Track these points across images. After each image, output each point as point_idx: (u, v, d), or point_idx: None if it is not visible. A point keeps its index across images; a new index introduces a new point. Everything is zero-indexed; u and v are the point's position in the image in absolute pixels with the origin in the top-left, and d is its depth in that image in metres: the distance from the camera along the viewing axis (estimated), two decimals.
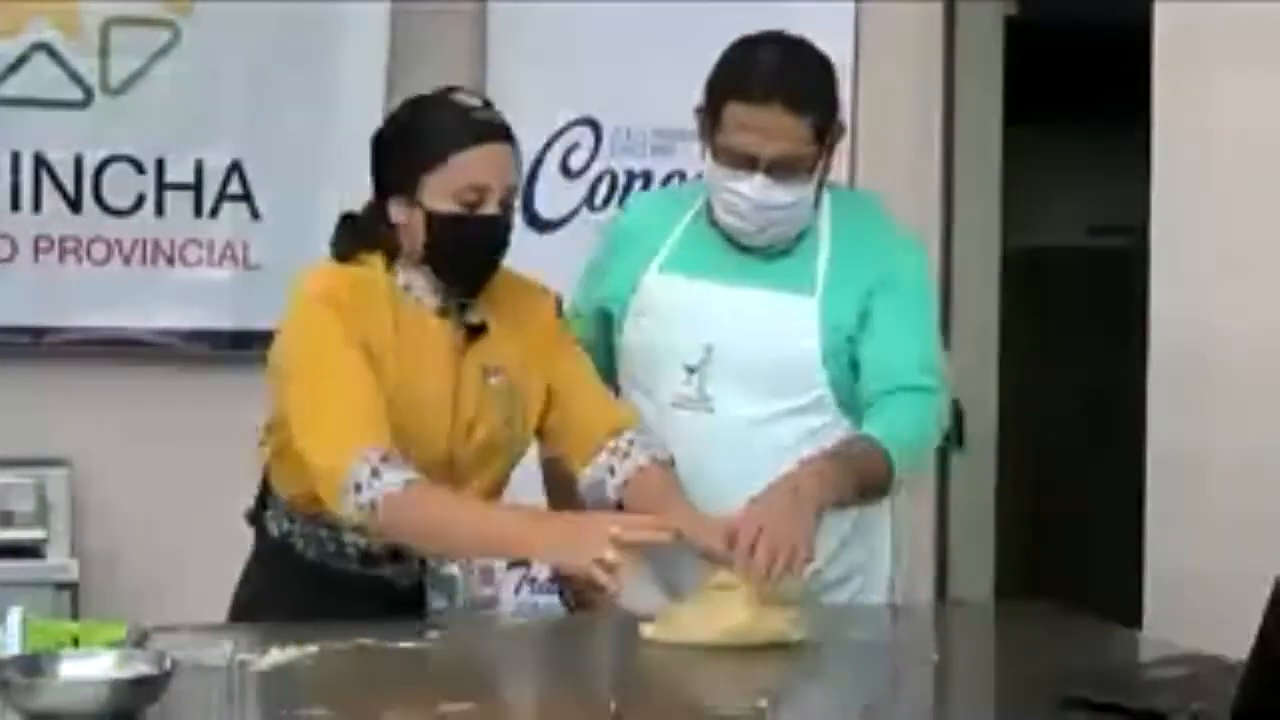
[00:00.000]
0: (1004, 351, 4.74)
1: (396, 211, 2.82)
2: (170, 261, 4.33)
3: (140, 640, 2.49)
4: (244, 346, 4.40)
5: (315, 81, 4.38)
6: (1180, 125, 3.65)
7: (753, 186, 2.89)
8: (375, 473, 2.64)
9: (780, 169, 2.88)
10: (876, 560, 3.06)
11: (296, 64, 4.37)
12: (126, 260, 4.30)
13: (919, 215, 4.57)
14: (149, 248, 4.32)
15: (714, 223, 3.00)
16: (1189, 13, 3.64)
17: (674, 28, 4.45)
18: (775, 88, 2.87)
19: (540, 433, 2.93)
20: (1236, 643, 2.16)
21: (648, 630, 2.63)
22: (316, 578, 2.85)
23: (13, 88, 4.20)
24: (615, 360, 3.07)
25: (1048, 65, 4.94)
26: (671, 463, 2.87)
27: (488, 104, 2.87)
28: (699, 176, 3.19)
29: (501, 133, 2.81)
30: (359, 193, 4.39)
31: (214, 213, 4.35)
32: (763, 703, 2.37)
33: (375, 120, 4.37)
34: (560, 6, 4.49)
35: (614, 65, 4.47)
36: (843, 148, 4.45)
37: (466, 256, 2.82)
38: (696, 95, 4.37)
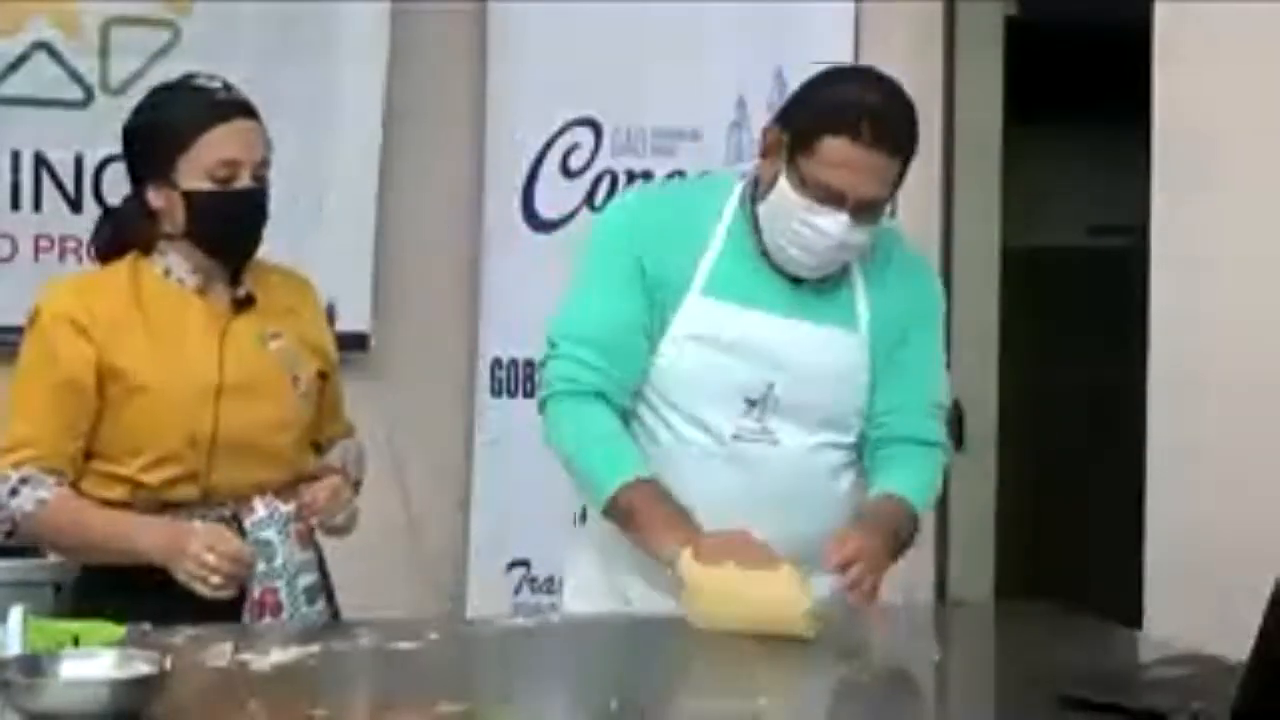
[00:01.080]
0: (1004, 351, 4.73)
1: (155, 197, 2.95)
2: None
3: (140, 640, 2.49)
4: None
5: (315, 82, 4.39)
6: (1180, 125, 3.65)
7: (836, 224, 2.83)
8: (14, 492, 2.87)
9: (864, 210, 2.85)
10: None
11: (296, 64, 4.37)
12: None
13: (919, 215, 4.57)
14: None
15: (758, 245, 2.93)
16: (1188, 12, 3.64)
17: (673, 28, 4.46)
18: (885, 131, 2.82)
19: None
20: (1236, 643, 2.16)
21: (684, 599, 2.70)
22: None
23: (13, 87, 4.21)
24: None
25: (1048, 65, 4.94)
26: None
27: (228, 86, 3.00)
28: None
29: (245, 110, 2.96)
30: (359, 191, 4.45)
31: None
32: (762, 701, 2.37)
33: (375, 121, 4.44)
34: (560, 7, 4.49)
35: (614, 66, 4.47)
36: None
37: (227, 230, 2.96)
38: (696, 95, 4.42)
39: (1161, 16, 3.69)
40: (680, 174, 4.44)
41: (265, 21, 4.34)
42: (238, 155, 2.92)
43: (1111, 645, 2.80)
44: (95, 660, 2.25)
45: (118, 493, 2.91)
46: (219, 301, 2.99)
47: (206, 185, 2.90)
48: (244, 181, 2.93)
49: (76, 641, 2.43)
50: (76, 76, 4.24)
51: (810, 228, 2.85)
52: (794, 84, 4.37)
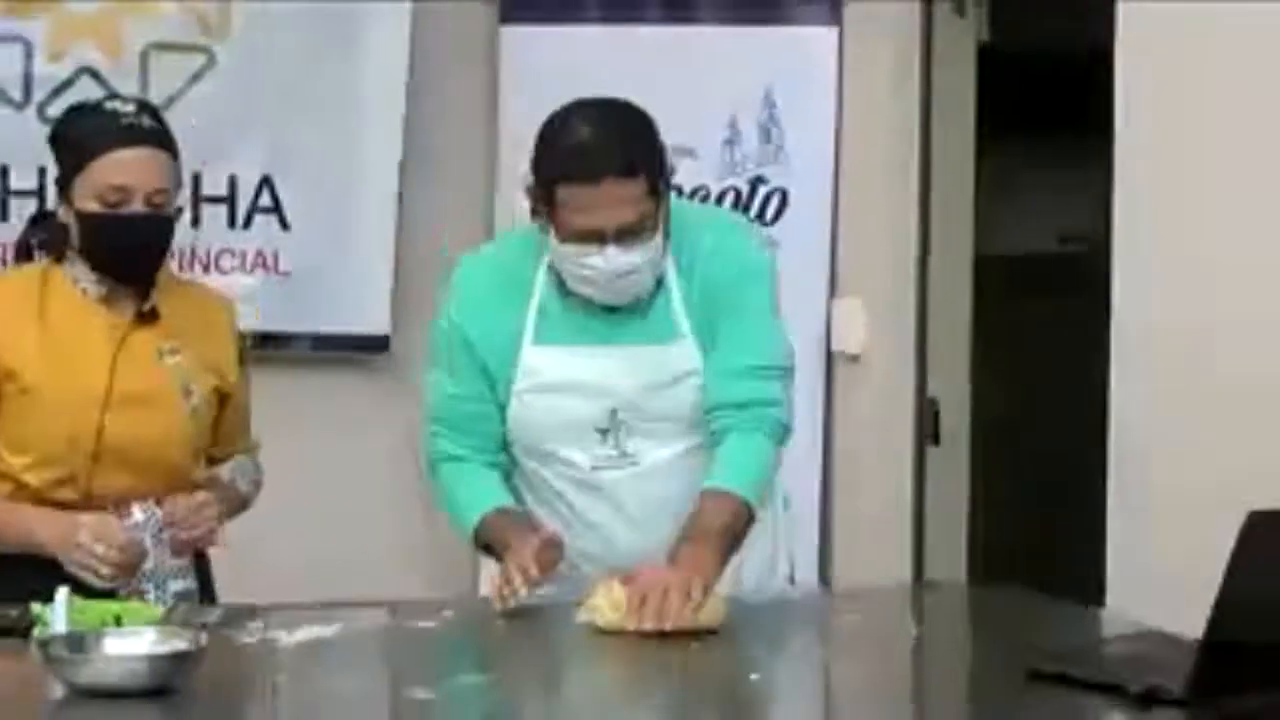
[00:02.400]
0: (977, 352, 4.73)
1: (62, 212, 2.86)
2: (206, 269, 4.33)
3: (178, 619, 2.50)
4: (273, 347, 4.41)
5: (340, 104, 4.39)
6: (1139, 140, 3.65)
7: (605, 259, 2.75)
8: None
9: (627, 235, 2.74)
10: (770, 567, 3.08)
11: (322, 87, 4.37)
12: None
13: (898, 225, 4.58)
14: (186, 256, 4.31)
15: (568, 291, 2.86)
16: (1147, 36, 3.65)
17: (670, 51, 4.46)
18: (602, 163, 2.72)
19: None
20: (1191, 622, 2.16)
21: (582, 617, 2.64)
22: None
23: (60, 108, 4.18)
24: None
25: (1017, 86, 4.94)
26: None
27: (145, 109, 2.89)
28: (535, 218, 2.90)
29: (147, 137, 2.82)
30: (381, 200, 4.44)
31: (246, 224, 4.35)
32: (754, 676, 2.37)
33: (396, 140, 4.44)
34: (566, 30, 4.50)
35: (615, 86, 4.44)
36: (827, 163, 4.52)
37: (113, 253, 2.83)
38: (691, 114, 4.41)
39: (1122, 41, 3.69)
40: (677, 189, 4.43)
41: (293, 47, 4.33)
42: (128, 181, 2.77)
43: (1075, 624, 2.80)
44: (135, 637, 2.25)
45: (4, 489, 2.81)
46: (122, 313, 2.87)
47: (96, 207, 2.78)
48: (134, 207, 2.78)
49: (118, 620, 2.44)
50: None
51: (587, 268, 2.78)
52: (783, 104, 4.48)
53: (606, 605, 2.61)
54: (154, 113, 2.91)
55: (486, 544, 2.91)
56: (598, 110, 2.84)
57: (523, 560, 2.73)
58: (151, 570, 2.82)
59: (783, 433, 2.91)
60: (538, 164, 2.81)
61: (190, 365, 2.92)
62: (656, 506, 2.85)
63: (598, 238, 2.74)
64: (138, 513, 2.84)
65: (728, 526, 2.78)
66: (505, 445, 2.97)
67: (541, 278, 2.88)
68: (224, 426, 3.05)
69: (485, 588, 2.98)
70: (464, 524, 2.93)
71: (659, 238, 2.80)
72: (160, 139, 2.85)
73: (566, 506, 2.93)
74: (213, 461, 3.04)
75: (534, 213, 2.85)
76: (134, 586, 2.77)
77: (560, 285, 2.87)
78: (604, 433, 2.88)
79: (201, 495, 2.88)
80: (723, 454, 2.85)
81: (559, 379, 2.87)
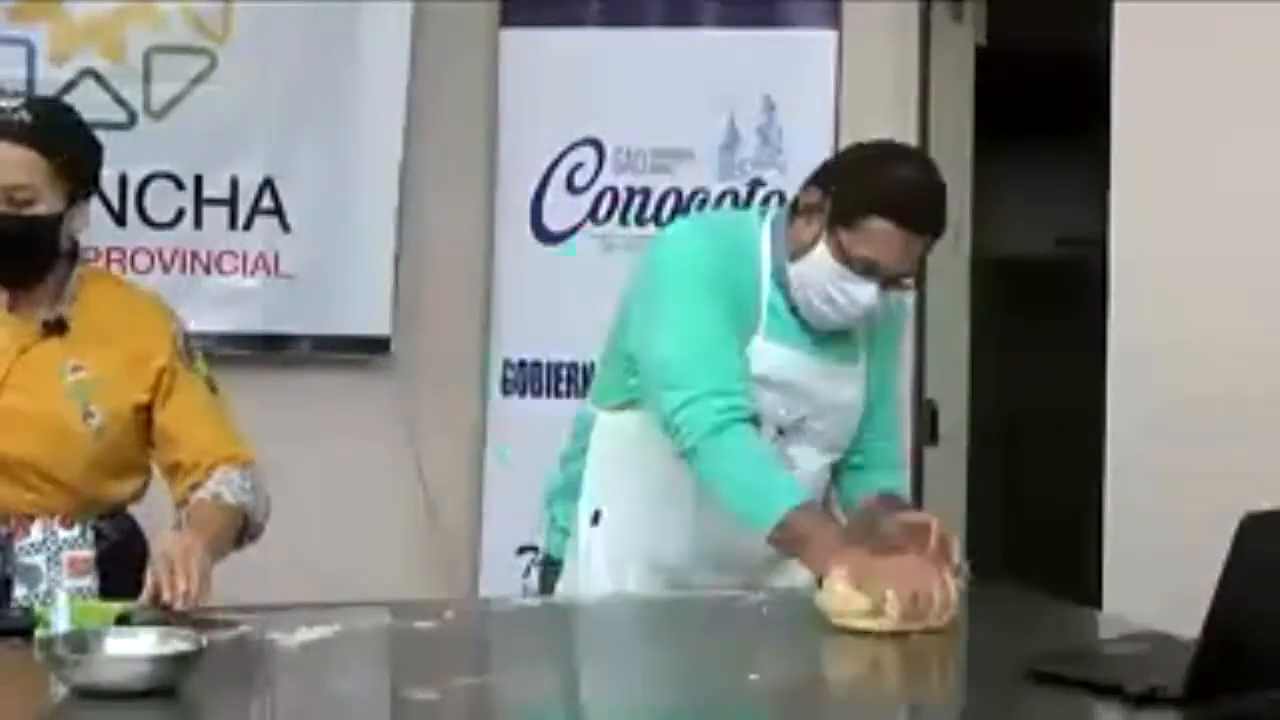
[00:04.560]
0: (975, 353, 4.73)
1: None
2: (207, 271, 4.33)
3: (178, 620, 2.48)
4: (274, 348, 4.42)
5: (340, 105, 4.38)
6: (1137, 144, 3.65)
7: (867, 294, 2.79)
8: None
9: (894, 281, 2.81)
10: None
11: (323, 90, 4.37)
12: (167, 269, 4.30)
13: None
14: (188, 258, 4.32)
15: (788, 296, 2.86)
16: (1145, 41, 3.65)
17: (670, 56, 4.46)
18: (927, 217, 2.80)
19: (152, 444, 2.86)
20: (1188, 622, 2.16)
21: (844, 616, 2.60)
22: None
23: None
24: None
25: (1014, 90, 4.94)
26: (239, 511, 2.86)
27: (29, 106, 2.75)
28: (678, 203, 2.94)
29: (12, 132, 2.67)
30: (381, 205, 4.44)
31: (248, 226, 4.35)
32: (753, 677, 2.37)
33: (396, 142, 4.43)
34: (566, 34, 4.50)
35: (615, 90, 4.47)
36: None
37: None
38: (691, 118, 4.41)
39: (1120, 43, 3.69)
40: (676, 191, 4.45)
41: (294, 50, 4.34)
42: None
43: (1074, 624, 2.80)
44: (137, 638, 2.24)
45: None
46: (29, 322, 2.76)
47: None
48: None
49: (120, 621, 2.43)
50: (121, 101, 4.23)
51: (844, 294, 2.80)
52: (781, 106, 4.48)
53: (866, 606, 2.57)
54: (41, 110, 2.77)
55: (791, 537, 2.72)
56: (928, 165, 2.89)
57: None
58: (45, 591, 2.69)
59: None
60: (859, 183, 2.80)
61: (97, 382, 2.77)
62: None
63: (873, 271, 2.78)
64: (35, 532, 2.74)
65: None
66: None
67: (766, 277, 2.88)
68: (179, 435, 2.86)
69: (485, 588, 2.97)
70: (771, 510, 2.70)
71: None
72: (31, 135, 2.68)
73: (713, 500, 2.85)
74: (189, 473, 2.87)
75: (803, 214, 2.83)
76: (21, 607, 2.65)
77: (778, 287, 2.87)
78: (781, 432, 2.89)
79: (173, 556, 2.54)
80: (885, 474, 3.03)
81: (776, 376, 2.86)
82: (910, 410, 4.58)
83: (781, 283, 2.87)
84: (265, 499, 2.97)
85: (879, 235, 2.76)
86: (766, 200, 4.47)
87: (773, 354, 2.86)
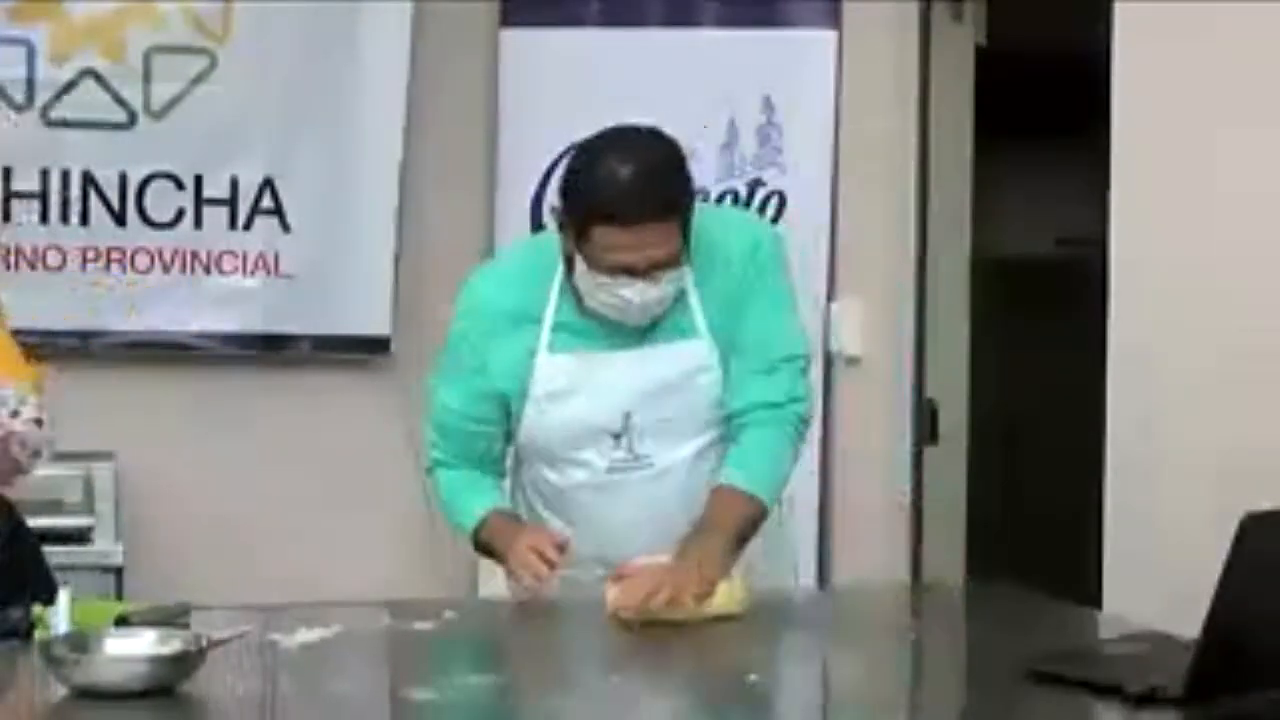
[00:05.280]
0: (974, 353, 4.73)
1: None
2: (207, 270, 4.33)
3: (180, 613, 2.48)
4: (274, 348, 4.41)
5: (340, 105, 4.38)
6: (1136, 144, 3.65)
7: (635, 291, 2.75)
8: None
9: (658, 270, 2.74)
10: (783, 565, 3.10)
11: (323, 90, 4.37)
12: (167, 269, 4.30)
13: (896, 227, 4.58)
14: (188, 258, 4.32)
15: (583, 303, 2.83)
16: (1145, 41, 3.64)
17: (670, 55, 4.46)
18: (640, 206, 2.69)
19: None
20: (1188, 622, 2.15)
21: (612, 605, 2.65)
22: None
23: (63, 110, 4.20)
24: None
25: (1014, 89, 4.94)
26: None
27: None
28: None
29: None
30: (381, 204, 4.44)
31: (247, 225, 4.34)
32: (751, 677, 2.37)
33: (396, 144, 4.43)
34: (566, 34, 4.50)
35: (615, 88, 4.46)
36: (825, 166, 4.52)
37: None
38: (690, 117, 4.40)
39: (1120, 43, 3.69)
40: None
41: (294, 50, 4.33)
42: None
43: (1073, 624, 2.80)
44: (136, 638, 2.24)
45: None
46: None
47: None
48: None
49: (120, 621, 2.43)
50: (121, 101, 4.23)
51: (615, 297, 2.77)
52: (781, 107, 4.48)
53: (615, 594, 2.63)
54: None
55: (486, 544, 2.92)
56: (632, 147, 2.77)
57: (538, 543, 2.76)
58: None
59: (804, 427, 2.94)
60: (570, 198, 2.77)
61: None
62: (672, 506, 2.85)
63: (629, 272, 2.74)
64: None
65: (739, 522, 2.80)
66: (502, 459, 3.00)
67: (556, 291, 2.86)
68: None
69: (485, 588, 2.98)
70: (464, 523, 2.94)
71: (685, 263, 2.80)
72: None
73: (580, 510, 2.92)
74: None
75: (561, 235, 2.82)
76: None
77: (576, 298, 2.85)
78: (617, 436, 2.88)
79: None
80: (739, 450, 2.87)
81: (573, 385, 2.87)
82: (910, 410, 4.59)
83: (570, 292, 2.85)
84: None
85: (609, 240, 2.71)
86: (766, 200, 4.48)
87: (558, 365, 2.86)
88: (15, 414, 2.78)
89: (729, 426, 2.90)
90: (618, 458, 2.89)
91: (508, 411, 2.93)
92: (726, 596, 2.66)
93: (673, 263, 2.76)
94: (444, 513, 3.02)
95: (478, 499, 2.94)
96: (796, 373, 2.93)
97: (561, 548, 2.77)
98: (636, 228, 2.70)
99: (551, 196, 4.19)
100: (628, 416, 2.87)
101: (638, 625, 2.60)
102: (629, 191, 2.70)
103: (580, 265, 2.77)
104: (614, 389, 2.86)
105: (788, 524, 3.13)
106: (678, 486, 2.88)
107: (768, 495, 2.85)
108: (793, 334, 2.95)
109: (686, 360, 2.88)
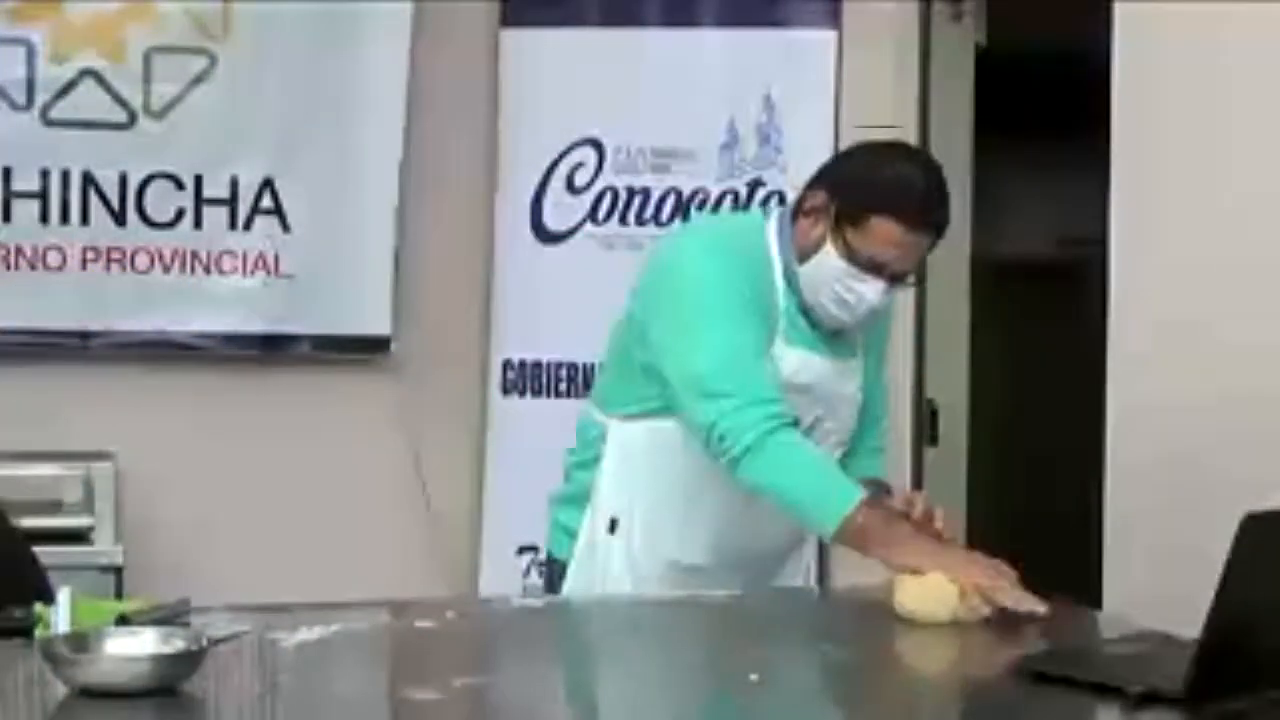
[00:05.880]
0: (974, 354, 4.73)
1: None
2: (207, 271, 4.33)
3: (180, 611, 2.48)
4: (274, 348, 4.42)
5: (340, 105, 4.39)
6: (1137, 144, 3.65)
7: (875, 291, 2.82)
8: None
9: (901, 278, 2.86)
10: (804, 554, 3.18)
11: (323, 90, 4.37)
12: (167, 269, 4.30)
13: None
14: (187, 258, 4.32)
15: (799, 298, 2.88)
16: (1145, 42, 3.65)
17: (670, 56, 4.46)
18: (933, 219, 2.82)
19: None
20: (1188, 622, 2.16)
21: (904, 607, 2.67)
22: None
23: (63, 111, 4.21)
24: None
25: (1015, 90, 4.94)
26: None
27: None
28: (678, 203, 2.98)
29: None
30: (381, 204, 4.44)
31: (247, 226, 4.35)
32: (754, 677, 2.37)
33: (396, 143, 4.44)
34: (566, 35, 4.50)
35: (615, 90, 4.47)
36: None
37: None
38: (690, 118, 4.41)
39: (1120, 44, 3.69)
40: (676, 191, 4.45)
41: (294, 50, 4.34)
42: None
43: (1074, 624, 2.79)
44: (138, 637, 2.24)
45: None
46: None
47: None
48: None
49: (120, 621, 2.42)
50: (121, 101, 4.23)
51: (852, 293, 2.83)
52: (781, 107, 4.48)
53: (932, 600, 2.64)
54: None
55: (855, 533, 2.74)
56: (932, 165, 2.91)
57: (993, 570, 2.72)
58: None
59: None
60: (858, 183, 2.83)
61: None
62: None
63: (880, 270, 2.81)
64: None
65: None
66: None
67: (779, 279, 2.89)
68: None
69: (485, 588, 2.98)
70: (829, 513, 2.73)
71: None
72: None
73: (741, 500, 2.86)
74: None
75: (808, 215, 2.84)
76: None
77: (790, 290, 2.88)
78: (806, 434, 2.88)
79: None
80: (878, 461, 3.10)
81: (798, 380, 2.87)
82: (910, 410, 4.59)
83: (792, 285, 2.89)
84: None
85: (885, 234, 2.79)
86: (766, 200, 4.47)
87: (793, 358, 2.88)
88: None
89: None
90: None
91: None
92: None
93: (911, 279, 2.90)
94: (789, 493, 2.77)
95: (843, 477, 2.80)
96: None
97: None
98: (915, 232, 2.80)
99: (704, 180, 4.38)
100: (819, 419, 2.92)
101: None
102: (925, 197, 2.82)
103: (828, 251, 2.82)
104: (820, 392, 2.91)
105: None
106: None
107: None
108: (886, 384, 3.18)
109: (858, 378, 3.01)
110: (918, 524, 2.81)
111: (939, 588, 2.63)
